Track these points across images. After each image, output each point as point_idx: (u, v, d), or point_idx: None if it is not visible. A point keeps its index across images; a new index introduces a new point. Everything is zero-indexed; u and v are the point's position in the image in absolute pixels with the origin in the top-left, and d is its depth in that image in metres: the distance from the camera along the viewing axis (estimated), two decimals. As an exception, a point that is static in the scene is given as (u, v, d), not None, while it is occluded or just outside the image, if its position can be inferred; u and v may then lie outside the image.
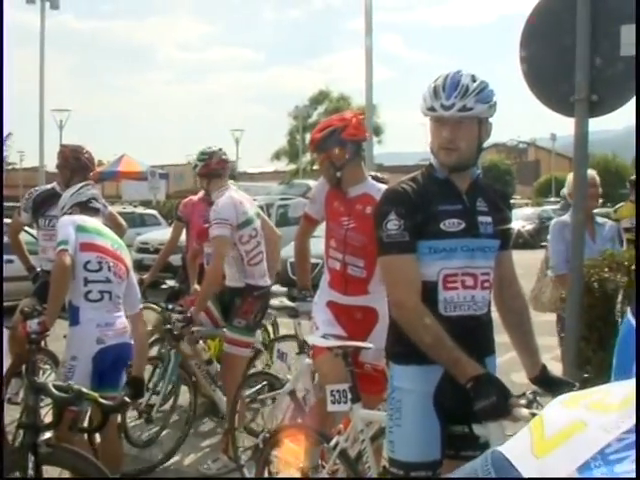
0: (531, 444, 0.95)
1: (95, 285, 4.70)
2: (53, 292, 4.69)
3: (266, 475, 4.69)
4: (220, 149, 6.25)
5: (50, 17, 32.08)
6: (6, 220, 12.41)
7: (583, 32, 5.01)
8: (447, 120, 3.03)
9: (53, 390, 3.52)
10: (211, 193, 6.17)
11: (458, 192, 3.16)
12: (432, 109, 3.04)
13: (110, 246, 4.85)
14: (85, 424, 4.71)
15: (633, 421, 0.90)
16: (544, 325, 6.24)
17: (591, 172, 6.29)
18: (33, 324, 4.75)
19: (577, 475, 0.88)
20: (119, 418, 5.55)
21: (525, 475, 0.93)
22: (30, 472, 3.47)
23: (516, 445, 0.99)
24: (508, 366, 3.36)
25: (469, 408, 2.77)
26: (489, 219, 3.17)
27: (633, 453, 0.87)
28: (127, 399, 3.91)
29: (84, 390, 3.63)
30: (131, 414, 6.51)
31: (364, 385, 4.16)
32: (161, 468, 5.91)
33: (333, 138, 4.54)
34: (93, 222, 4.92)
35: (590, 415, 0.95)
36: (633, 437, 0.89)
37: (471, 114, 3.03)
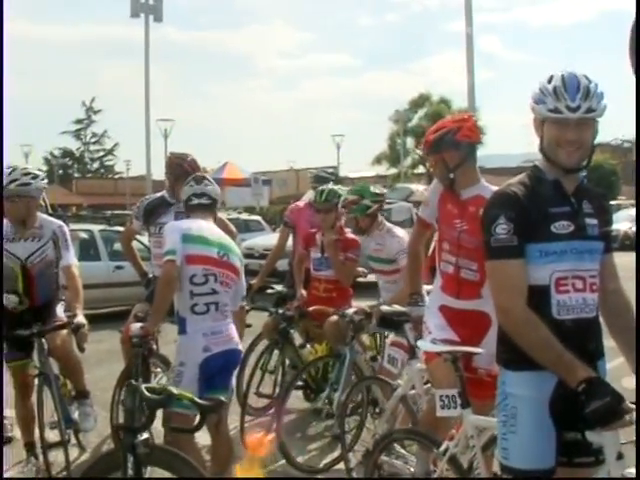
0: None
1: (201, 298, 4.76)
2: (157, 301, 4.80)
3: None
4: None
5: (154, 30, 32.71)
6: (119, 228, 12.81)
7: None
8: (571, 121, 3.01)
9: (145, 392, 3.60)
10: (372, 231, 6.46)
11: (566, 194, 3.14)
12: (557, 111, 3.01)
13: (216, 254, 4.86)
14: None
15: None
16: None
17: None
18: (135, 328, 4.89)
19: None
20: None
21: None
22: (130, 472, 3.54)
23: None
24: (618, 371, 3.29)
25: (582, 414, 2.72)
26: (595, 221, 3.15)
27: None
28: (224, 399, 3.94)
29: (175, 392, 3.70)
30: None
31: (477, 391, 4.14)
32: (268, 470, 5.99)
33: (447, 139, 4.51)
34: (199, 228, 4.92)
35: None
36: None
37: (594, 115, 3.04)
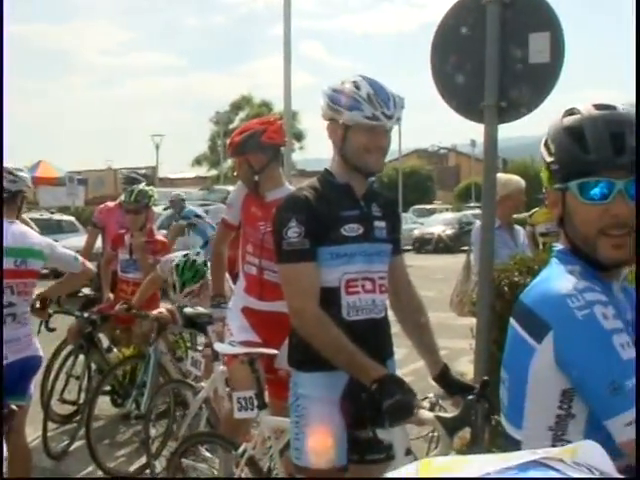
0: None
1: None
2: None
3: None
4: None
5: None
6: None
7: (492, 39, 5.09)
8: (383, 128, 3.10)
9: None
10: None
11: (356, 198, 3.21)
12: (374, 118, 3.05)
13: (12, 264, 4.60)
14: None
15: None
16: (463, 329, 6.33)
17: (519, 180, 6.41)
18: None
19: None
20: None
21: None
22: None
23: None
24: (425, 370, 3.40)
25: (373, 412, 2.79)
26: (383, 224, 3.26)
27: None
28: (14, 407, 3.86)
29: None
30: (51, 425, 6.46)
31: (279, 391, 4.17)
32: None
33: (252, 142, 4.52)
34: None
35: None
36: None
37: (399, 123, 3.14)
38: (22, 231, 4.82)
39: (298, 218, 3.03)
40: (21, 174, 4.84)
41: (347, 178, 3.20)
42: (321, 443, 3.69)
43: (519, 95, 5.16)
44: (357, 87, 3.10)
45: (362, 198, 3.22)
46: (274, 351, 4.14)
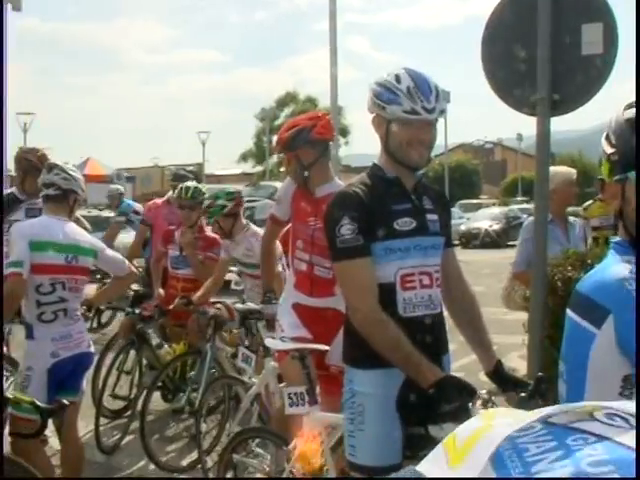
0: (446, 458, 0.96)
1: (49, 307, 4.60)
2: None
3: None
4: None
5: (14, 20, 31.71)
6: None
7: (544, 31, 5.02)
8: (425, 122, 3.05)
9: None
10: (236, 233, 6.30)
11: (407, 191, 3.18)
12: (413, 112, 3.02)
13: (64, 260, 4.65)
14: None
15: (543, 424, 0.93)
16: (512, 323, 6.28)
17: (571, 171, 6.31)
18: None
19: (491, 469, 0.89)
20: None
21: None
22: None
23: (432, 461, 1.00)
24: (475, 365, 3.38)
25: (427, 410, 2.76)
26: (435, 217, 3.21)
27: (550, 455, 0.89)
28: (66, 402, 3.84)
29: (10, 395, 3.62)
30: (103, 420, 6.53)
31: (331, 387, 4.16)
32: (126, 473, 5.88)
33: (301, 137, 4.49)
34: (47, 232, 4.66)
35: (498, 420, 0.98)
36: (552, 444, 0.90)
37: (443, 116, 3.10)
38: (73, 229, 4.87)
39: (350, 215, 3.00)
40: (75, 174, 4.87)
41: (395, 172, 3.16)
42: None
43: (572, 88, 5.10)
44: (398, 80, 3.07)
45: (412, 192, 3.18)
46: (325, 347, 4.12)
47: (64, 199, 4.85)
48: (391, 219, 3.06)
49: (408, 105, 3.01)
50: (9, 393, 3.65)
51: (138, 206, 12.02)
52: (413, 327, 2.99)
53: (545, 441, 0.91)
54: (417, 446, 3.13)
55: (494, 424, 0.96)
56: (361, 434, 3.09)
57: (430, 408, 2.74)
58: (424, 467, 0.99)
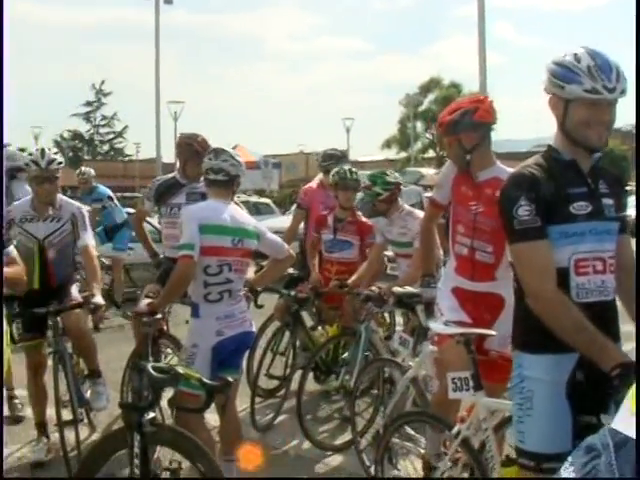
0: (630, 407, 1.20)
1: (215, 287, 4.74)
2: (169, 291, 4.81)
3: (386, 461, 4.70)
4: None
5: (164, 12, 32.77)
6: (130, 210, 12.78)
7: None
8: (605, 102, 2.98)
9: (151, 371, 3.61)
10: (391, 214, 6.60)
11: (583, 175, 3.10)
12: (594, 91, 2.94)
13: (230, 243, 4.78)
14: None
15: None
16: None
17: None
18: (142, 304, 4.90)
19: None
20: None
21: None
22: (136, 450, 3.57)
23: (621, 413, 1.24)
24: (630, 355, 3.26)
25: (599, 397, 2.70)
26: (611, 201, 3.12)
27: None
28: (230, 379, 3.93)
29: (182, 371, 3.72)
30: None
31: (488, 373, 4.12)
32: (281, 451, 6.01)
33: (464, 121, 4.44)
34: (216, 215, 4.80)
35: None
36: None
37: (623, 96, 3.00)
38: (239, 212, 5.05)
39: (527, 196, 2.95)
40: (240, 159, 5.02)
41: (572, 154, 3.09)
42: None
43: None
44: (577, 59, 2.98)
45: (589, 175, 3.10)
46: (491, 332, 4.10)
47: (230, 184, 4.98)
48: (567, 202, 3.00)
49: (589, 84, 2.93)
50: (180, 369, 3.77)
51: (110, 192, 12.16)
52: (585, 313, 2.90)
53: None
54: (587, 435, 3.06)
55: None
56: (530, 420, 3.05)
57: (603, 396, 2.69)
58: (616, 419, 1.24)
